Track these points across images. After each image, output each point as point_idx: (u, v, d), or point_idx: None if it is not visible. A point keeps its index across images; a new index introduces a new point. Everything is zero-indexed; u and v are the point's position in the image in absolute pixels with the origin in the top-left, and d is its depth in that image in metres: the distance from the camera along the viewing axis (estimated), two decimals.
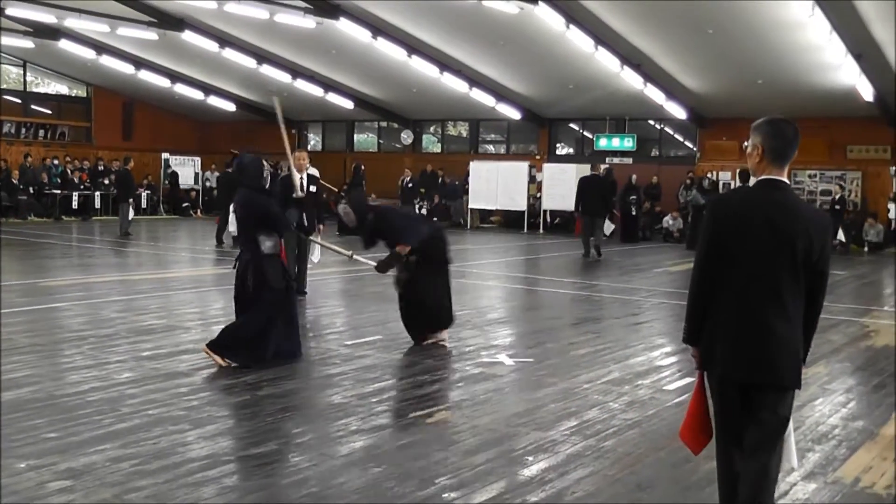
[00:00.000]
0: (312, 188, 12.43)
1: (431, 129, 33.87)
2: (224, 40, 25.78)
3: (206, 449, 5.69)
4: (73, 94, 33.66)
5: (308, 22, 22.31)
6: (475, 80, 26.29)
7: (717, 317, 4.03)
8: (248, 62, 27.13)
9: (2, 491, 4.88)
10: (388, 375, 7.85)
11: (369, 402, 6.92)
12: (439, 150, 33.35)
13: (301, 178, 12.34)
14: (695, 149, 28.08)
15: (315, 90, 29.23)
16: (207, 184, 32.57)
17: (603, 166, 23.20)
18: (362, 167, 29.71)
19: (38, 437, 5.87)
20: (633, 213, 25.21)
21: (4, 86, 32.08)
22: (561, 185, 25.91)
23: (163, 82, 30.88)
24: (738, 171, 18.34)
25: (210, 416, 6.42)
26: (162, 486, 5.05)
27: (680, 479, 5.41)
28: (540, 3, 19.29)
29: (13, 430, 5.99)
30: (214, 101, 32.32)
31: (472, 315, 11.52)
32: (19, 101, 31.99)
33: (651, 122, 28.69)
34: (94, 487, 5.02)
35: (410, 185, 28.61)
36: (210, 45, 25.93)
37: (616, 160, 27.66)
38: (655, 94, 24.41)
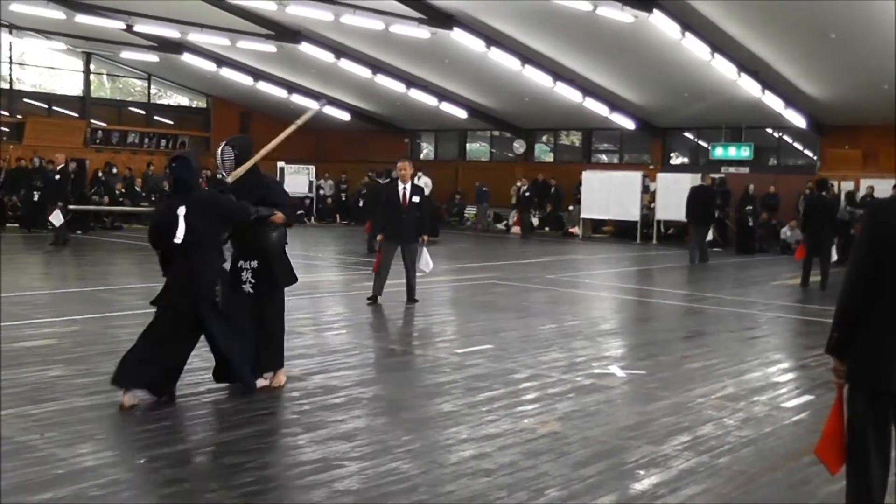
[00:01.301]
0: (416, 198, 12.48)
1: (544, 138, 33.76)
2: (339, 51, 26.21)
3: (318, 453, 5.76)
4: (194, 105, 34.69)
5: (422, 32, 22.51)
6: (588, 89, 26.10)
7: (873, 327, 3.88)
8: (363, 72, 27.51)
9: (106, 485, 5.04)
10: (499, 385, 7.81)
11: (479, 411, 6.90)
12: (551, 160, 33.21)
13: (404, 188, 12.45)
14: (815, 158, 27.28)
15: (429, 100, 29.45)
16: (321, 192, 33.11)
17: (717, 175, 22.80)
18: None
19: (157, 435, 6.05)
20: (750, 223, 24.60)
21: (130, 98, 33.29)
22: (675, 195, 25.44)
23: (279, 93, 31.55)
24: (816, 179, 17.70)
25: (321, 421, 6.49)
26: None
27: (797, 500, 5.23)
28: (655, 11, 19.05)
29: (135, 427, 6.21)
30: (329, 111, 32.86)
31: (584, 326, 11.42)
32: (143, 112, 33.16)
33: (769, 131, 28.00)
34: (204, 487, 5.15)
35: (527, 193, 28.55)
36: (326, 56, 26.39)
37: (732, 169, 27.07)
38: (774, 102, 23.82)
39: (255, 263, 7.27)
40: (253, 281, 7.24)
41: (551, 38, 22.64)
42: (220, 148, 7.29)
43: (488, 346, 9.63)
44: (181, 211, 6.69)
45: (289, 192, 7.98)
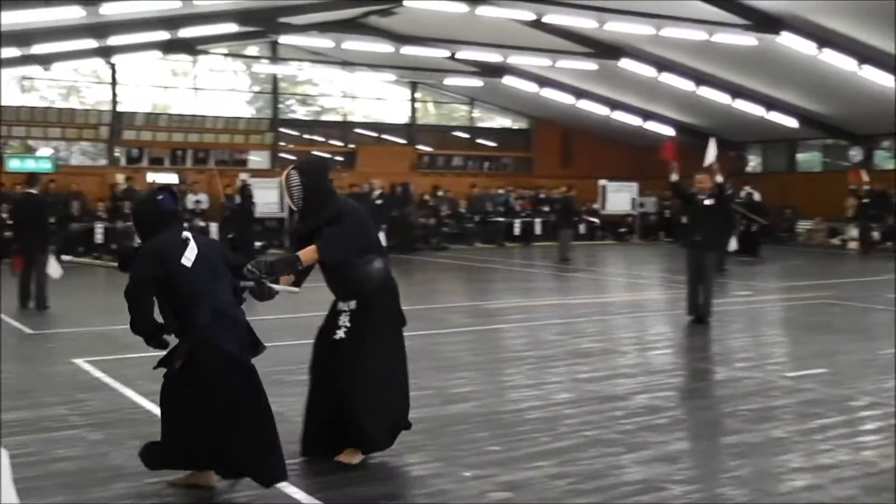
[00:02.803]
0: (709, 201, 12.03)
1: (885, 144, 31.38)
2: (661, 65, 25.84)
3: (641, 474, 5.64)
4: (516, 127, 35.50)
5: (748, 39, 21.69)
6: None
7: None
8: (686, 85, 26.94)
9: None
10: (834, 412, 7.28)
11: (812, 440, 6.47)
12: (894, 167, 30.80)
13: (702, 198, 12.01)
14: None
15: (755, 109, 28.32)
16: (641, 209, 32.82)
17: None
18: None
19: (481, 449, 6.18)
20: None
21: (454, 122, 34.69)
22: None
23: (601, 110, 31.59)
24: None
25: (644, 441, 6.36)
26: None
27: None
28: None
29: (459, 440, 6.40)
30: (652, 126, 32.46)
31: None
32: (467, 135, 34.38)
33: None
34: (531, 502, 5.19)
35: (865, 201, 26.62)
36: (647, 71, 26.11)
37: None
38: None
39: (353, 304, 5.95)
40: (348, 325, 5.90)
41: (891, 32, 20.96)
42: (286, 172, 5.94)
43: (822, 369, 9.03)
44: (187, 234, 5.36)
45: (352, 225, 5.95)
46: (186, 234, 5.31)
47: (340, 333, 5.86)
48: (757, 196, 26.23)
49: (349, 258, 5.83)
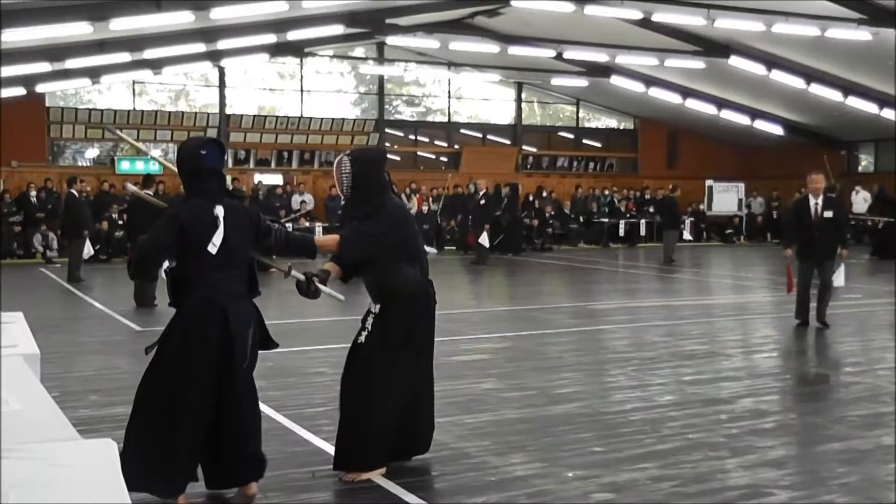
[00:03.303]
0: (829, 213, 11.67)
1: None
2: (770, 62, 25.28)
3: (746, 478, 5.56)
4: (622, 128, 35.15)
5: (862, 34, 21.04)
6: None
7: None
8: (797, 82, 26.30)
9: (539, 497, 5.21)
10: None
11: None
12: None
13: (816, 202, 11.68)
14: None
15: (868, 107, 27.48)
16: (748, 210, 32.20)
17: None
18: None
19: (585, 450, 6.18)
20: None
21: (559, 123, 34.52)
22: None
23: (708, 110, 31.07)
24: None
25: (750, 446, 6.27)
26: None
27: None
28: None
29: (563, 440, 6.41)
30: (760, 125, 31.80)
31: None
32: (572, 136, 34.18)
33: None
34: (634, 503, 5.17)
35: None
36: (756, 69, 25.58)
37: None
38: None
39: (378, 308, 5.61)
40: (369, 329, 5.58)
41: None
42: (339, 158, 5.70)
43: None
44: (219, 211, 5.05)
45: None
46: (219, 210, 5.01)
47: (362, 337, 5.59)
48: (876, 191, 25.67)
49: (369, 258, 5.57)
